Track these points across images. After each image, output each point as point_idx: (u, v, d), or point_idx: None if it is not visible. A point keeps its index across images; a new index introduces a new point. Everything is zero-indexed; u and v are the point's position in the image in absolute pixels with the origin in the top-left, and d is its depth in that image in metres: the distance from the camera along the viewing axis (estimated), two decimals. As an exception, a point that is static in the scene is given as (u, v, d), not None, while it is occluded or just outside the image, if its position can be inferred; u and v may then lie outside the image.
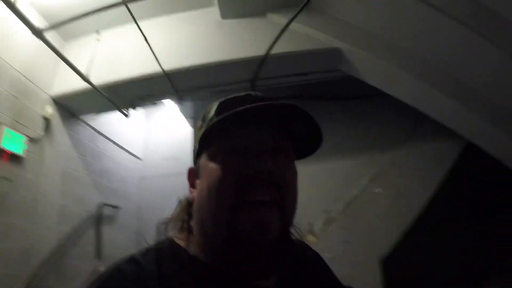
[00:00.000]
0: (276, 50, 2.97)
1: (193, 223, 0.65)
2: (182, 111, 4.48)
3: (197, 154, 0.65)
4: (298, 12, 2.71)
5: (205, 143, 0.62)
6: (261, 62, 2.99)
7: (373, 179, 3.38)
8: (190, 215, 0.66)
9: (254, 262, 0.56)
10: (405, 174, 3.41)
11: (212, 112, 0.63)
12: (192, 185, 0.67)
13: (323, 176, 3.35)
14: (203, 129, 0.63)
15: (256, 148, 0.57)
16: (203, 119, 0.66)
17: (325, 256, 3.43)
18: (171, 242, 0.63)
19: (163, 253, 0.59)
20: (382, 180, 3.39)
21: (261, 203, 0.55)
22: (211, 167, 0.59)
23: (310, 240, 3.19)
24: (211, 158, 0.60)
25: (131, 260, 0.57)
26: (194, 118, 4.39)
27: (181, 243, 0.63)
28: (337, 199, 3.35)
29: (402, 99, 2.84)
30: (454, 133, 2.96)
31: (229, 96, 0.65)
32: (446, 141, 3.45)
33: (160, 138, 6.00)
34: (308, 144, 0.66)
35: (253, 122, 0.58)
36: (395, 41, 2.67)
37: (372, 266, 3.14)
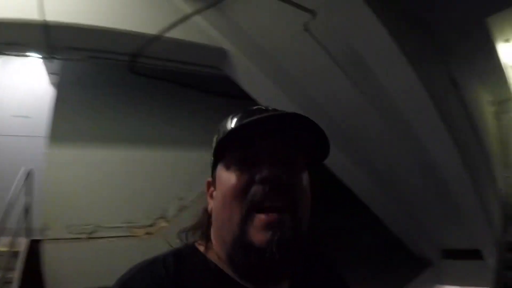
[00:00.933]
0: (168, 33, 3.00)
1: (211, 231, 0.67)
2: (47, 66, 4.09)
3: (213, 166, 0.67)
4: (208, 7, 2.86)
5: (220, 155, 0.64)
6: (151, 40, 2.99)
7: None
8: (209, 224, 0.68)
9: (266, 267, 0.58)
10: None
11: (227, 126, 0.65)
12: (211, 195, 0.67)
13: (181, 164, 3.45)
14: (217, 141, 0.65)
15: (266, 157, 0.59)
16: (218, 133, 0.67)
17: (176, 241, 3.69)
18: (192, 247, 0.66)
19: (184, 257, 0.63)
20: None
21: (272, 209, 0.57)
22: (225, 177, 0.61)
23: (162, 224, 3.32)
24: (225, 168, 0.62)
25: (154, 262, 0.62)
26: (58, 75, 4.00)
27: (201, 248, 0.65)
28: (192, 188, 3.42)
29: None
30: None
31: (243, 111, 0.67)
32: None
33: (11, 92, 5.11)
34: (317, 152, 0.68)
35: (263, 132, 0.60)
36: (276, 58, 3.06)
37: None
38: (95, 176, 2.93)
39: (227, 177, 0.61)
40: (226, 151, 0.63)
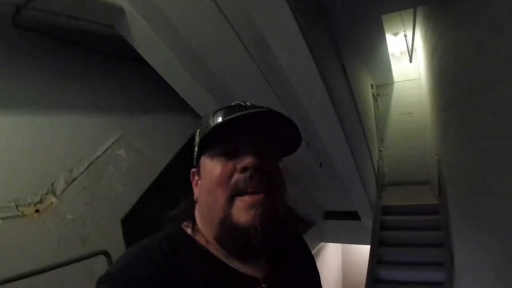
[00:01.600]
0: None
1: (197, 217, 0.72)
2: None
3: (197, 157, 0.73)
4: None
5: (203, 147, 0.70)
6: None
7: (117, 141, 3.45)
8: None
9: (250, 245, 0.63)
10: (147, 140, 3.67)
11: (210, 120, 0.69)
12: (196, 184, 0.73)
13: (68, 131, 3.09)
14: (201, 135, 0.70)
15: (247, 149, 0.66)
16: (201, 126, 0.72)
17: (68, 217, 3.27)
18: (181, 231, 0.71)
19: (176, 242, 0.67)
20: (126, 144, 3.50)
21: (253, 193, 0.64)
22: (209, 166, 0.68)
23: (51, 200, 2.97)
24: (210, 159, 0.68)
25: (150, 247, 0.63)
26: None
27: (189, 231, 0.71)
28: (81, 158, 3.18)
29: (161, 72, 3.14)
30: (194, 111, 3.59)
31: (223, 107, 0.71)
32: (187, 116, 4.02)
33: None
34: (289, 143, 0.79)
35: (244, 127, 0.67)
36: (174, 23, 2.90)
37: (114, 226, 3.29)
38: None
39: (212, 167, 0.67)
40: (210, 144, 0.69)
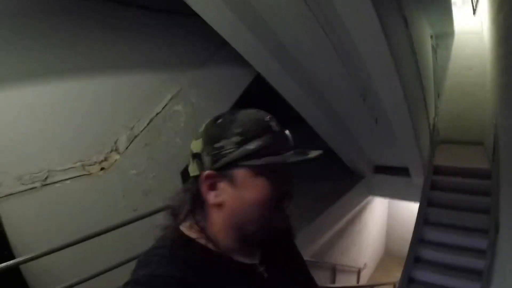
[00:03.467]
0: None
1: (215, 221, 0.75)
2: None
3: (229, 164, 0.71)
4: None
5: (245, 159, 0.71)
6: None
7: (175, 97, 3.54)
8: (198, 209, 0.77)
9: (261, 243, 0.79)
10: (203, 94, 3.74)
11: (251, 130, 0.72)
12: (211, 187, 0.73)
13: (125, 91, 3.21)
14: (243, 146, 0.70)
15: (287, 178, 0.76)
16: (242, 137, 0.71)
17: (131, 172, 3.52)
18: (180, 233, 0.75)
19: (185, 250, 0.71)
20: (183, 99, 3.59)
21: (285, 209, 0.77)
22: (257, 183, 0.72)
23: (115, 157, 3.18)
24: (254, 174, 0.71)
25: (166, 263, 0.67)
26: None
27: (188, 232, 0.75)
28: (141, 116, 3.32)
29: (211, 23, 3.01)
30: (248, 63, 3.51)
31: (265, 118, 0.76)
32: (240, 68, 3.99)
33: None
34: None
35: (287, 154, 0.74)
36: None
37: (175, 178, 3.49)
38: (34, 118, 2.61)
39: (261, 185, 0.72)
40: (253, 159, 0.71)
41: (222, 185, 0.73)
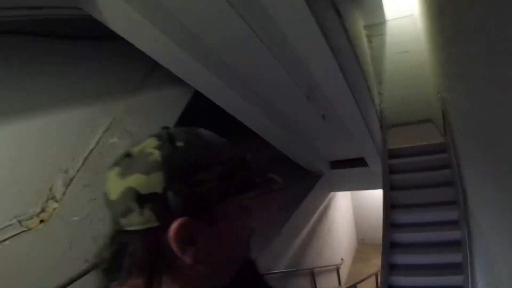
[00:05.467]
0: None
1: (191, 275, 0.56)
2: None
3: (210, 204, 0.55)
4: None
5: (234, 193, 0.58)
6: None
7: (108, 129, 3.24)
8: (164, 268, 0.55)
9: None
10: (139, 121, 3.48)
11: (230, 157, 0.59)
12: (190, 241, 0.54)
13: (54, 132, 2.90)
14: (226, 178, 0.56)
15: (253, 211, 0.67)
16: (217, 163, 0.56)
17: (74, 219, 3.17)
18: None
19: None
20: (117, 129, 3.30)
21: None
22: (240, 219, 0.62)
23: (53, 207, 2.84)
24: (239, 207, 0.61)
25: None
26: None
27: None
28: (74, 156, 2.99)
29: (142, 48, 2.88)
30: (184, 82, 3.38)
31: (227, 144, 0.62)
32: (178, 87, 3.80)
33: None
34: None
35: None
36: None
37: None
38: None
39: (242, 220, 0.62)
40: (233, 196, 0.58)
41: (201, 236, 0.55)
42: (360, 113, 3.88)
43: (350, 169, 6.24)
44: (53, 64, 2.97)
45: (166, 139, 0.56)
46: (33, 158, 2.74)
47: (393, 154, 5.08)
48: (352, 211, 9.51)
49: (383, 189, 4.67)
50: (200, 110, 4.19)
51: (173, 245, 0.51)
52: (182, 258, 0.53)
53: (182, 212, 0.51)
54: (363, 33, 6.76)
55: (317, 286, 5.59)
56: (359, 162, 6.01)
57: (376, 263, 8.36)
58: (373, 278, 6.35)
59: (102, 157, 3.17)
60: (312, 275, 5.48)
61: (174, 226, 0.51)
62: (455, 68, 3.47)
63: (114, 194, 0.55)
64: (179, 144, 0.55)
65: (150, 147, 0.56)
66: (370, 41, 7.39)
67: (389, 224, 4.27)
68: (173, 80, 3.41)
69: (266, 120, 4.06)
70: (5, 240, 2.44)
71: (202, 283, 0.57)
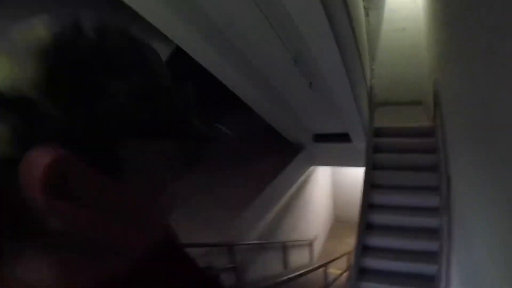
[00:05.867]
0: None
1: None
2: None
3: None
4: None
5: None
6: None
7: None
8: None
9: None
10: None
11: None
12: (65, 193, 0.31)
13: None
14: None
15: None
16: None
17: None
18: None
19: None
20: None
21: None
22: (151, 180, 0.39)
23: None
24: (151, 163, 0.40)
25: None
26: None
27: None
28: None
29: None
30: (165, 36, 3.04)
31: None
32: (156, 43, 3.49)
33: None
34: None
35: None
36: None
37: None
38: None
39: (152, 182, 0.40)
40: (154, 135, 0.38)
41: (84, 186, 0.33)
42: (349, 84, 3.61)
43: (333, 144, 6.05)
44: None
45: (71, 23, 0.34)
46: None
47: (378, 133, 4.88)
48: (331, 187, 9.44)
49: (365, 167, 4.49)
50: (183, 72, 3.88)
51: (38, 194, 0.29)
52: (47, 219, 0.31)
53: (63, 141, 0.30)
54: (361, 3, 6.37)
55: (288, 260, 5.50)
56: (343, 137, 5.82)
57: (349, 242, 8.38)
58: (345, 258, 6.32)
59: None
60: (284, 249, 5.38)
61: (43, 161, 0.29)
62: (455, 47, 3.21)
63: None
64: (89, 34, 0.34)
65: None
66: (367, 14, 7.01)
67: (367, 204, 4.12)
68: (154, 34, 3.06)
69: (249, 84, 3.78)
70: None
71: (88, 260, 0.34)
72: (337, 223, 9.40)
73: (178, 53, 3.56)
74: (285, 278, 3.67)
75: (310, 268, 4.40)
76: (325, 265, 4.88)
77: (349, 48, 3.47)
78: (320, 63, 3.36)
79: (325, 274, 4.88)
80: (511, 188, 1.65)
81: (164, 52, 3.59)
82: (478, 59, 2.36)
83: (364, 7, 6.83)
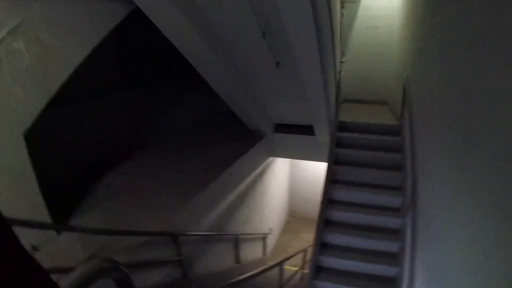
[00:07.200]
0: None
1: None
2: None
3: None
4: None
5: None
6: None
7: (14, 31, 2.51)
8: None
9: None
10: (56, 30, 2.75)
11: None
12: None
13: None
14: None
15: None
16: None
17: None
18: None
19: None
20: (27, 34, 2.57)
21: None
22: None
23: None
24: None
25: None
26: None
27: None
28: None
29: None
30: None
31: None
32: (112, 3, 3.05)
33: None
34: None
35: None
36: None
37: (16, 141, 2.55)
38: None
39: None
40: None
41: None
42: (320, 65, 3.32)
43: (294, 136, 5.79)
44: None
45: None
46: None
47: (343, 127, 4.66)
48: (288, 182, 9.24)
49: (327, 161, 4.24)
50: (142, 37, 3.44)
51: None
52: None
53: None
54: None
55: (240, 254, 5.18)
56: (305, 129, 5.58)
57: (304, 237, 8.25)
58: (300, 254, 6.12)
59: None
60: (236, 242, 5.05)
61: None
62: (436, 41, 3.02)
63: None
64: None
65: None
66: (342, 7, 6.80)
67: (327, 199, 3.88)
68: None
69: (213, 58, 3.37)
70: None
71: None
72: (292, 218, 9.25)
73: (132, 16, 3.10)
74: (241, 278, 3.33)
75: (267, 267, 4.09)
76: (281, 262, 4.61)
77: (325, 25, 3.16)
78: (292, 37, 3.01)
79: (281, 271, 4.61)
80: (494, 178, 1.45)
81: (119, 15, 3.09)
82: (461, 50, 2.16)
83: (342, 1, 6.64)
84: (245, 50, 3.57)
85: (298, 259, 6.09)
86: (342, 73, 5.88)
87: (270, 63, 3.56)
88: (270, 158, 6.44)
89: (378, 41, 6.63)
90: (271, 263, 4.62)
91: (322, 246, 3.52)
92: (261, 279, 4.19)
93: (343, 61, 6.28)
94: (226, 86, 4.08)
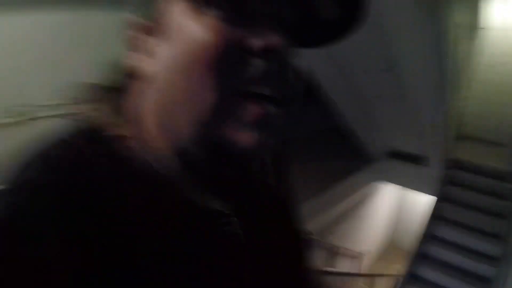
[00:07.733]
0: None
1: (138, 108, 0.39)
2: None
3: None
4: None
5: None
6: None
7: None
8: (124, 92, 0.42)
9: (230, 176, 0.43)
10: None
11: None
12: (141, 45, 0.38)
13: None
14: None
15: (267, 19, 0.36)
16: None
17: None
18: (100, 134, 0.37)
19: (97, 147, 0.36)
20: None
21: (262, 100, 0.35)
22: (196, 27, 0.34)
23: None
24: (195, 12, 0.35)
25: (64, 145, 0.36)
26: None
27: (119, 132, 0.38)
28: None
29: None
30: None
31: None
32: None
33: None
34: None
35: None
36: None
37: None
38: (20, 47, 2.31)
39: (202, 29, 0.33)
40: None
41: (159, 41, 0.37)
42: (434, 103, 3.52)
43: (407, 164, 5.79)
44: None
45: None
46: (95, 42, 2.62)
47: (457, 164, 4.69)
48: (395, 210, 9.11)
49: (436, 196, 4.36)
50: None
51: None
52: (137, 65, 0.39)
53: None
54: (453, 30, 6.09)
55: (331, 265, 5.48)
56: (420, 160, 5.54)
57: (398, 268, 8.07)
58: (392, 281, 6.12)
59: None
60: (331, 253, 5.35)
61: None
62: None
63: None
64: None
65: None
66: (458, 42, 6.64)
67: (427, 234, 4.03)
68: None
69: (340, 80, 3.78)
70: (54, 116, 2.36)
71: (153, 123, 0.38)
72: (392, 247, 9.09)
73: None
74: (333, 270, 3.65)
75: (360, 272, 4.33)
76: (374, 276, 4.78)
77: (441, 72, 3.40)
78: (410, 79, 3.34)
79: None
80: None
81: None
82: None
83: (456, 36, 6.51)
84: (370, 77, 3.92)
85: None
86: (461, 110, 5.79)
87: (395, 95, 3.88)
88: (379, 182, 6.57)
89: (504, 80, 6.23)
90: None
91: (413, 277, 3.69)
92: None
93: (466, 97, 6.14)
94: (349, 105, 4.49)
